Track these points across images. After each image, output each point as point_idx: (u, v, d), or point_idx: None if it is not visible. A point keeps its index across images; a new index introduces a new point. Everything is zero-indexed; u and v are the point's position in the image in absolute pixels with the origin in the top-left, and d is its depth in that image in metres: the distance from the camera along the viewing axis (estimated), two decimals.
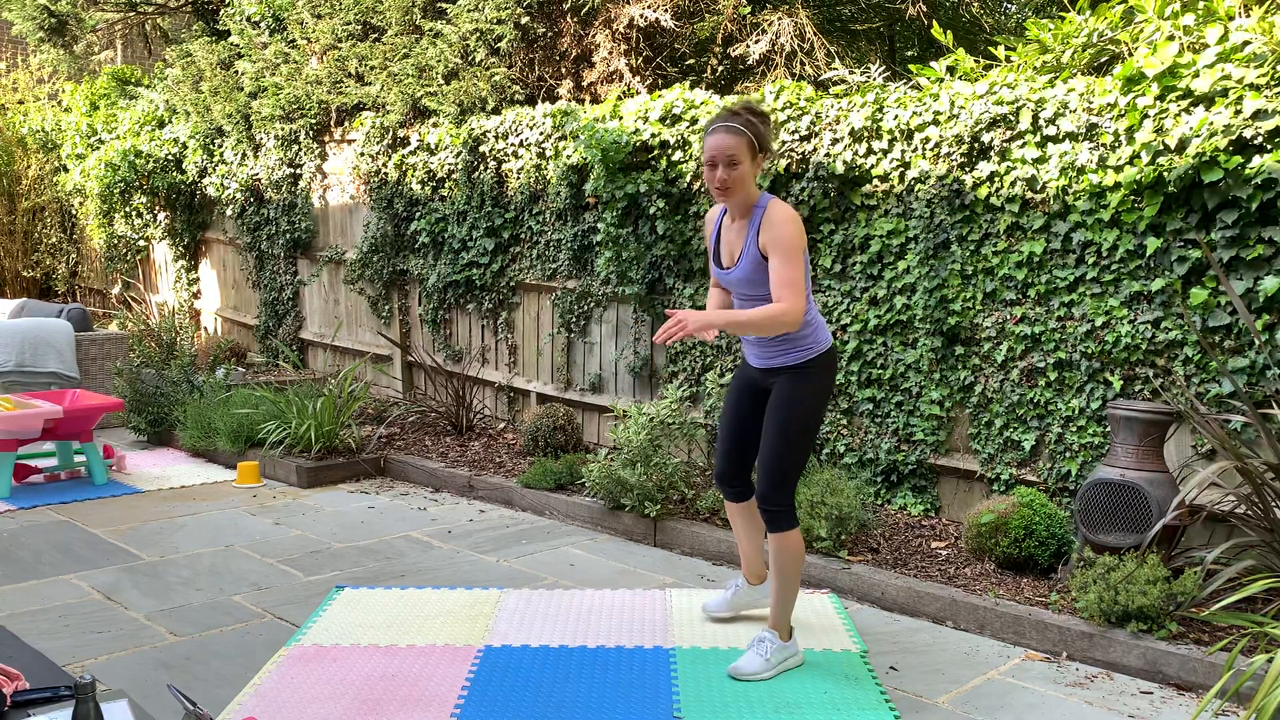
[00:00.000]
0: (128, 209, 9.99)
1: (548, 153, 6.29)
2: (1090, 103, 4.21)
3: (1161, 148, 4.00)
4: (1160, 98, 4.01)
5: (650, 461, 4.96)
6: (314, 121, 8.02)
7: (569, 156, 6.09)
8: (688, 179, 5.57)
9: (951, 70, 5.04)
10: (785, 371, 3.33)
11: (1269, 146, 3.78)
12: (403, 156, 7.26)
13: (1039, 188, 4.40)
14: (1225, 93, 3.86)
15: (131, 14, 10.93)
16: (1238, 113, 3.83)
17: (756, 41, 7.18)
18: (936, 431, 4.82)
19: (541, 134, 6.31)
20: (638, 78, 6.98)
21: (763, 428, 3.34)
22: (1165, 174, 3.98)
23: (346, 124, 7.87)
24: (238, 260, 9.36)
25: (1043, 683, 3.44)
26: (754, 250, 3.22)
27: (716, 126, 3.21)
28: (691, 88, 5.85)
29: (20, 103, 12.00)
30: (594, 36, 7.05)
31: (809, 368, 3.31)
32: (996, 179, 4.51)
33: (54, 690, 2.30)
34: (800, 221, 3.19)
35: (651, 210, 5.67)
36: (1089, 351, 4.31)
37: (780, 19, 7.20)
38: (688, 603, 4.08)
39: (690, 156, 5.52)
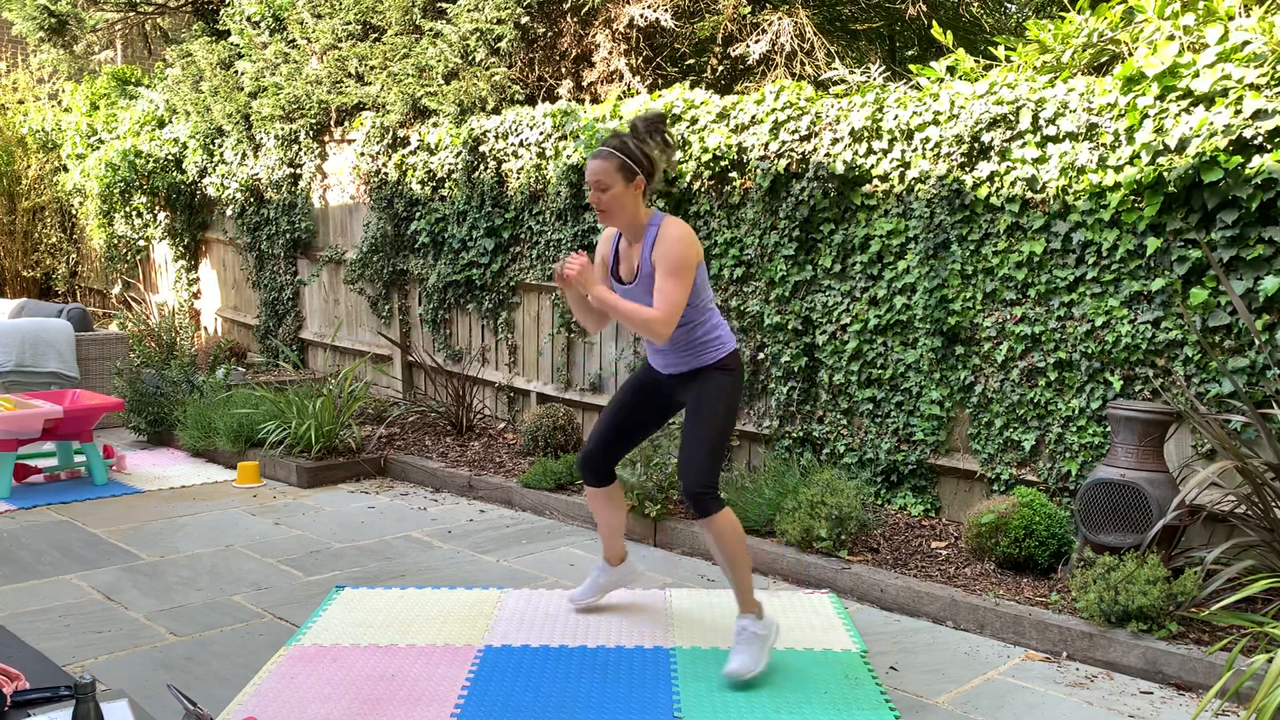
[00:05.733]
0: (128, 209, 9.99)
1: (548, 153, 6.29)
2: (1090, 103, 4.21)
3: (1161, 148, 4.00)
4: (1160, 98, 4.01)
5: (650, 461, 4.96)
6: (314, 121, 8.02)
7: (569, 156, 6.09)
8: (688, 179, 5.57)
9: (951, 70, 5.04)
10: (698, 373, 3.46)
11: (1269, 146, 3.78)
12: (403, 156, 7.26)
13: (1039, 188, 4.40)
14: (1225, 93, 3.86)
15: (131, 14, 10.93)
16: (1238, 113, 3.83)
17: (756, 41, 7.18)
18: (936, 431, 4.82)
19: (541, 134, 6.31)
20: (638, 78, 6.98)
21: (685, 424, 3.45)
22: (1165, 174, 3.98)
23: (346, 124, 7.87)
24: (238, 260, 9.36)
25: (1043, 683, 3.44)
26: (648, 267, 3.37)
27: (593, 152, 3.36)
28: (691, 88, 5.85)
29: (20, 103, 11.99)
30: (594, 36, 7.05)
31: (720, 365, 3.45)
32: (996, 179, 4.51)
33: (54, 690, 2.29)
34: (694, 239, 3.31)
35: None
36: (1089, 351, 4.31)
37: (780, 19, 7.20)
38: (688, 603, 4.08)
39: (690, 156, 5.52)
